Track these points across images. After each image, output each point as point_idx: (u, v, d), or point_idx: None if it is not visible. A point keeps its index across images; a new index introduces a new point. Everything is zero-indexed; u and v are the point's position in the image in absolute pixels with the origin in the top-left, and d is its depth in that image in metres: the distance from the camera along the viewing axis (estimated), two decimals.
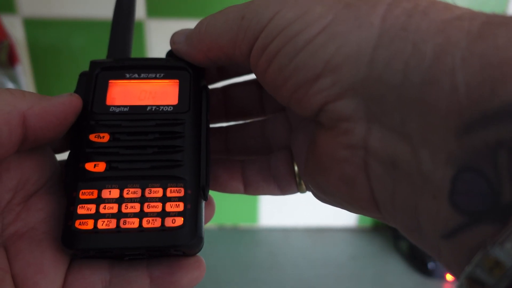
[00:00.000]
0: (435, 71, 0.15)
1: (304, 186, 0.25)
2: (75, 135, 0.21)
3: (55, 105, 0.19)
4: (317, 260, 0.65)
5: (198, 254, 0.21)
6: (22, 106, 0.18)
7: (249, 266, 0.64)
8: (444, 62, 0.15)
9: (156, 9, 0.57)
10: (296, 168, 0.25)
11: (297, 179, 0.25)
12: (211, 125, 0.27)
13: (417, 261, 0.62)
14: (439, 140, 0.15)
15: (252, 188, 0.26)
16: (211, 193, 0.24)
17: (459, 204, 0.14)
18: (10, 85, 0.54)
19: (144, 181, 0.20)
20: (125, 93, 0.23)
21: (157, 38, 0.58)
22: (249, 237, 0.70)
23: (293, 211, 0.70)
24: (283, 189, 0.25)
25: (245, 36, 0.19)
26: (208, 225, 0.71)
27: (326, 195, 0.21)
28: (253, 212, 0.70)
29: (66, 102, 0.20)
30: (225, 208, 0.70)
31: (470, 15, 0.15)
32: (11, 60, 0.55)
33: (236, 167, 0.26)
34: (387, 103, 0.16)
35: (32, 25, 0.57)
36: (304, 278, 0.62)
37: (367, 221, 0.71)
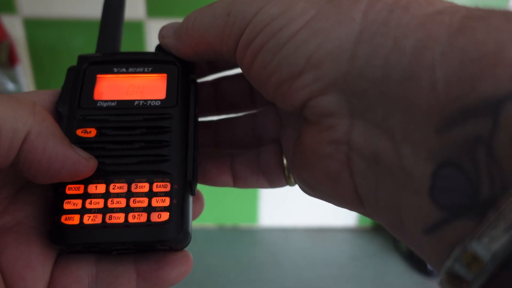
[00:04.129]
0: (415, 67, 0.15)
1: (293, 180, 0.25)
2: (62, 131, 0.21)
3: (65, 155, 0.18)
4: (317, 260, 0.65)
5: (187, 249, 0.21)
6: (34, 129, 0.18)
7: (249, 266, 0.64)
8: (424, 58, 0.15)
9: (156, 9, 0.57)
10: (285, 161, 0.25)
11: (286, 172, 0.25)
12: (201, 119, 0.26)
13: (417, 261, 0.62)
14: (419, 136, 0.15)
15: (241, 181, 0.26)
16: (202, 189, 0.24)
17: (439, 199, 0.14)
18: (10, 85, 0.54)
19: (130, 176, 0.20)
20: (113, 87, 0.22)
21: (157, 38, 0.58)
22: (249, 237, 0.70)
23: (293, 211, 0.70)
24: (272, 182, 0.25)
25: (231, 31, 0.19)
26: (208, 225, 0.71)
27: (311, 190, 0.21)
28: (253, 212, 0.70)
29: (82, 163, 0.19)
30: (225, 208, 0.70)
31: (451, 9, 0.15)
32: (11, 60, 0.55)
33: (225, 160, 0.26)
34: (369, 99, 0.16)
35: (32, 25, 0.57)
36: (304, 278, 0.62)
37: (367, 221, 0.71)
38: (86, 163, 0.19)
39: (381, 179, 0.16)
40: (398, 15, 0.16)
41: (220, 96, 0.27)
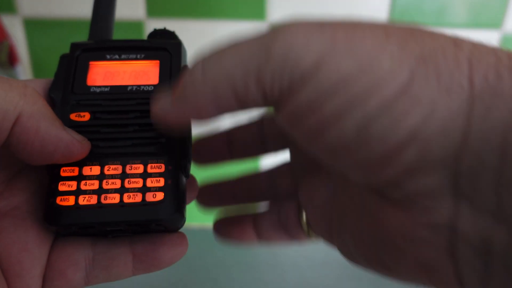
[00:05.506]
0: None
1: (313, 234, 0.24)
2: (56, 115, 0.21)
3: (58, 137, 0.18)
4: (317, 260, 0.65)
5: (182, 231, 0.21)
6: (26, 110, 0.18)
7: (249, 266, 0.64)
8: None
9: (156, 9, 0.57)
10: (304, 217, 0.24)
11: (305, 227, 0.24)
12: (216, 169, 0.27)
13: None
14: None
15: (265, 240, 0.26)
16: (195, 173, 0.24)
17: None
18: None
19: (124, 158, 0.20)
20: (105, 73, 0.23)
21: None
22: None
23: None
24: (296, 238, 0.25)
25: (273, 84, 0.15)
26: (208, 225, 0.71)
27: (390, 272, 0.18)
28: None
29: (76, 145, 0.19)
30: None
31: None
32: (11, 60, 0.55)
33: (247, 222, 0.26)
34: (481, 182, 0.14)
35: (32, 25, 0.57)
36: (304, 278, 0.62)
37: None
38: (80, 144, 0.19)
39: (495, 270, 0.14)
40: (509, 82, 0.13)
41: (231, 145, 0.27)
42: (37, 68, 0.60)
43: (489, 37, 0.59)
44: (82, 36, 0.64)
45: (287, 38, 0.15)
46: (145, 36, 0.62)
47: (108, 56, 0.23)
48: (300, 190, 0.24)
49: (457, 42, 0.15)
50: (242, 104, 0.17)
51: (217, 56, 0.17)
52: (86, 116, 0.21)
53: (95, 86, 0.22)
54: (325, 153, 0.16)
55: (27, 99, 0.18)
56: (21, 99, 0.17)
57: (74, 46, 0.23)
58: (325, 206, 0.22)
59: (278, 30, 0.15)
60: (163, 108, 0.19)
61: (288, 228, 0.25)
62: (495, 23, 0.58)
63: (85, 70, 0.23)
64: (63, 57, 0.23)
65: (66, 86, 0.22)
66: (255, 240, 0.26)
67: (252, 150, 0.27)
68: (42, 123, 0.18)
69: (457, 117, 0.14)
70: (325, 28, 0.15)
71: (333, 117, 0.15)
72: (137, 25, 0.57)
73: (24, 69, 0.58)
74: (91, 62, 0.23)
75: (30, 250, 0.19)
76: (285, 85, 0.15)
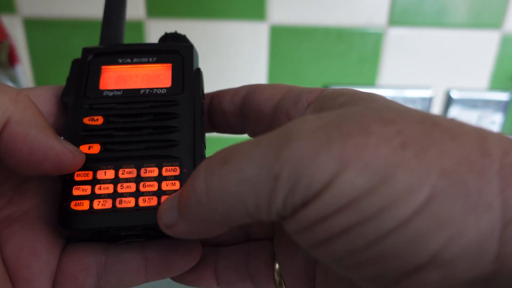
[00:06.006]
0: None
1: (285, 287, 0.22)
2: (69, 120, 0.21)
3: (48, 145, 0.18)
4: None
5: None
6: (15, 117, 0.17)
7: None
8: None
9: (156, 9, 0.57)
10: (277, 266, 0.22)
11: (277, 278, 0.22)
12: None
13: None
14: None
15: (226, 285, 0.23)
16: None
17: None
18: (10, 85, 0.54)
19: (139, 161, 0.20)
20: (118, 77, 0.23)
21: (157, 38, 0.58)
22: None
23: None
24: None
25: (285, 205, 0.14)
26: None
27: None
28: None
29: (67, 155, 0.18)
30: None
31: None
32: (11, 60, 0.55)
33: (207, 266, 0.22)
34: None
35: (32, 25, 0.57)
36: None
37: None
38: (72, 155, 0.18)
39: None
40: None
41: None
42: (37, 68, 0.60)
43: (489, 37, 0.59)
44: (82, 36, 0.64)
45: (294, 158, 0.14)
46: (144, 36, 0.62)
47: (120, 60, 0.23)
48: (277, 239, 0.22)
49: (484, 148, 0.13)
50: (254, 220, 0.15)
51: (220, 175, 0.15)
52: (99, 120, 0.21)
53: (108, 90, 0.22)
54: (332, 262, 0.15)
55: (18, 105, 0.17)
56: (11, 105, 0.17)
57: (86, 51, 0.23)
58: (308, 267, 0.20)
59: (281, 148, 0.14)
60: (169, 222, 0.17)
61: (255, 278, 0.22)
62: (495, 23, 0.58)
63: (97, 75, 0.23)
64: (75, 62, 0.23)
65: (78, 91, 0.22)
66: (214, 284, 0.23)
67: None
68: (31, 130, 0.17)
69: (488, 238, 0.12)
70: (333, 140, 0.13)
71: (342, 230, 0.13)
72: (137, 25, 0.57)
73: (24, 69, 0.59)
74: (103, 67, 0.23)
75: (39, 255, 0.19)
76: (298, 205, 0.14)
